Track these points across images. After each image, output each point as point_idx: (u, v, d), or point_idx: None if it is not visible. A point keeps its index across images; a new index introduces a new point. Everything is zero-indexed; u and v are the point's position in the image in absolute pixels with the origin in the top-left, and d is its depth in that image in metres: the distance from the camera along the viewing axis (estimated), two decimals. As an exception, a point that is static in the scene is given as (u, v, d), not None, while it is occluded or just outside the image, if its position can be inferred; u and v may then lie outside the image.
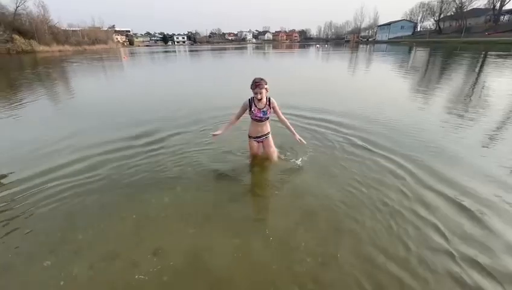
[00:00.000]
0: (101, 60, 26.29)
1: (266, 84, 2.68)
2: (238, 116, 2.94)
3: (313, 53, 31.63)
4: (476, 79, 9.42)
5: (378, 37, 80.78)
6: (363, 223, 2.20)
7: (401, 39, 64.32)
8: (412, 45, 42.24)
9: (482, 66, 12.94)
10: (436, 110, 5.71)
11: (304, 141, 3.02)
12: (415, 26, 72.63)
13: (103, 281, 1.75)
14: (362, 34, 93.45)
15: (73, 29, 65.07)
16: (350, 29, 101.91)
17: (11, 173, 3.21)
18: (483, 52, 21.29)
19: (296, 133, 3.03)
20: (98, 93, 9.08)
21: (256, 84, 2.64)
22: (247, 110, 2.88)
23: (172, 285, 1.69)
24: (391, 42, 61.89)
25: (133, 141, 4.13)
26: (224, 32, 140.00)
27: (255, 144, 3.14)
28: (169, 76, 14.27)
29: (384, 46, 47.11)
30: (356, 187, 2.73)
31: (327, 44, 68.61)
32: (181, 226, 2.22)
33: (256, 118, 2.88)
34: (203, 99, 7.31)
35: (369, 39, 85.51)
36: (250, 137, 3.09)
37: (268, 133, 3.08)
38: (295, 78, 11.43)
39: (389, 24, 75.23)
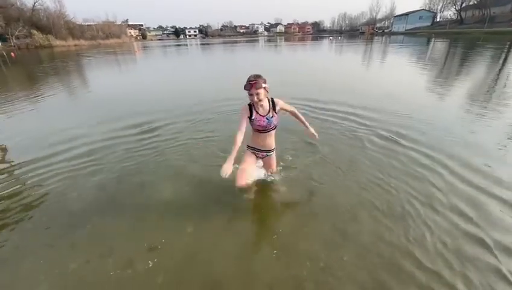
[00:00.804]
0: (115, 54, 26.70)
1: (265, 83, 2.04)
2: (244, 130, 2.13)
3: (325, 45, 30.85)
4: (500, 70, 8.87)
5: (395, 28, 77.65)
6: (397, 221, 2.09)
7: (419, 30, 61.63)
8: (430, 36, 40.38)
9: (506, 58, 12.18)
10: (458, 102, 5.47)
11: (316, 135, 2.43)
12: (435, 17, 69.25)
13: (96, 278, 1.71)
14: (378, 25, 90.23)
15: (88, 23, 66.35)
16: (365, 20, 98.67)
17: (18, 158, 3.28)
18: (508, 43, 20.04)
19: (309, 126, 2.44)
20: (112, 86, 9.23)
21: (252, 84, 1.98)
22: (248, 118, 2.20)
23: (167, 285, 1.65)
24: (408, 33, 59.45)
25: (140, 133, 4.15)
26: (236, 25, 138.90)
27: (250, 156, 2.43)
28: (179, 70, 14.30)
29: (400, 37, 45.29)
30: (382, 180, 2.67)
31: (340, 36, 66.74)
32: (179, 224, 2.17)
33: (259, 127, 2.23)
34: (212, 91, 7.25)
35: (385, 30, 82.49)
36: (248, 147, 2.43)
37: (272, 149, 2.45)
38: (308, 70, 11.16)
39: (406, 14, 72.06)
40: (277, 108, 2.22)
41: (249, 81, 2.00)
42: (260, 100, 2.06)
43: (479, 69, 9.55)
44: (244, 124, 2.15)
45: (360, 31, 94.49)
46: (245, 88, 2.03)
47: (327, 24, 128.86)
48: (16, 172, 3.14)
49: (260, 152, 2.43)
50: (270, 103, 2.19)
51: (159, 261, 1.81)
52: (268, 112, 2.19)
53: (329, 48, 26.80)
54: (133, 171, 3.05)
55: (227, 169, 1.96)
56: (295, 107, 2.41)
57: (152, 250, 1.90)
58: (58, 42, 47.19)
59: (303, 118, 2.43)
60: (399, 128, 4.03)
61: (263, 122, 2.19)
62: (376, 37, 49.74)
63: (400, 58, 14.55)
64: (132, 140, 3.94)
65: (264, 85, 2.03)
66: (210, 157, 3.28)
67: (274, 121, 2.23)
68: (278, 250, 1.88)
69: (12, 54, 26.52)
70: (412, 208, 2.26)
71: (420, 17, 68.91)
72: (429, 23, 67.11)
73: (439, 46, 22.49)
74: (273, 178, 2.67)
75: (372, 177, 2.74)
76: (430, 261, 1.75)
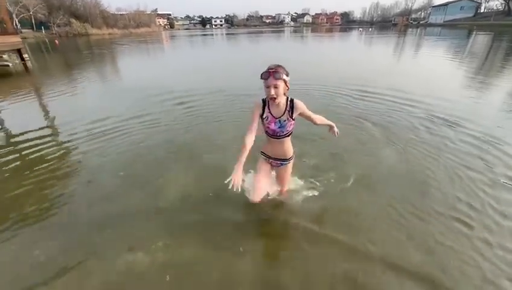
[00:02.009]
0: (146, 42, 27.82)
1: (286, 75, 1.67)
2: (254, 129, 1.78)
3: (354, 37, 29.80)
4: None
5: (432, 20, 72.38)
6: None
7: (459, 22, 57.02)
8: (471, 29, 37.33)
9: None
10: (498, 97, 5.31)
11: (336, 130, 2.10)
12: (478, 7, 63.50)
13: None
14: (413, 16, 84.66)
15: (121, 13, 69.06)
16: (399, 10, 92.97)
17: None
18: None
19: (333, 124, 2.10)
20: (145, 72, 9.86)
21: (270, 72, 1.61)
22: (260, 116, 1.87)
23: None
24: (446, 25, 55.27)
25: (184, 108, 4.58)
26: (262, 15, 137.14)
27: (265, 165, 2.09)
28: (204, 59, 14.72)
29: (437, 29, 42.30)
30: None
31: (371, 27, 63.61)
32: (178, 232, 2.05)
33: (269, 131, 1.87)
34: (237, 80, 7.57)
35: (420, 22, 77.22)
36: (262, 153, 2.09)
37: (289, 159, 2.03)
38: (330, 63, 11.06)
39: (446, 4, 66.75)
40: (295, 113, 1.79)
41: (268, 69, 1.64)
42: (277, 96, 1.66)
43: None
44: (255, 124, 1.80)
45: (393, 22, 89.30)
46: (262, 77, 1.65)
47: (357, 15, 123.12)
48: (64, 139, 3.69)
49: (274, 160, 2.04)
50: (288, 103, 1.77)
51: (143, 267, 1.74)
52: (283, 114, 1.78)
53: (359, 39, 25.88)
54: (149, 152, 3.48)
55: (236, 180, 1.65)
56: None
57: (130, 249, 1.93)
58: (94, 31, 49.78)
59: (327, 121, 2.07)
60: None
61: (273, 125, 1.82)
62: (410, 29, 46.83)
63: (434, 52, 13.83)
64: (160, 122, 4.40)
65: (285, 77, 1.65)
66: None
67: (288, 127, 1.82)
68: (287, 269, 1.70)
69: (56, 41, 28.57)
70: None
71: (461, 8, 63.52)
72: (471, 14, 61.75)
73: (481, 39, 20.88)
74: (282, 200, 2.25)
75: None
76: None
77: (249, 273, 1.71)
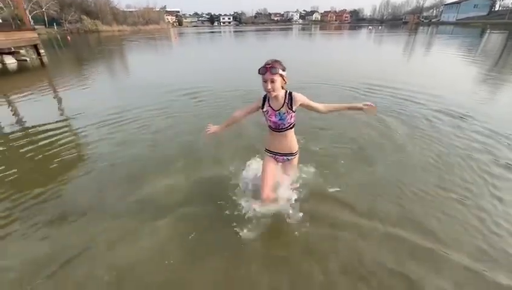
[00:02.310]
0: (155, 39, 28.15)
1: (283, 70, 1.73)
2: (245, 113, 1.99)
3: (364, 35, 29.48)
4: None
5: (444, 18, 70.79)
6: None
7: (472, 20, 55.64)
8: (485, 27, 36.44)
9: None
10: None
11: (370, 103, 1.92)
12: (493, 5, 61.82)
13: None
14: (424, 14, 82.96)
15: (130, 10, 69.79)
16: (410, 8, 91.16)
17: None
18: None
19: (355, 104, 1.98)
20: (154, 68, 10.04)
21: (267, 67, 1.68)
22: (260, 109, 1.95)
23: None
24: (459, 24, 54.02)
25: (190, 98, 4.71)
26: (270, 12, 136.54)
27: (271, 162, 2.08)
28: (211, 56, 14.85)
29: (449, 28, 41.42)
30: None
31: (381, 26, 62.66)
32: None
33: (271, 124, 1.93)
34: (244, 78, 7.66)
35: (432, 20, 75.64)
36: (266, 150, 2.11)
37: (292, 153, 2.04)
38: (334, 63, 11.03)
39: (459, 2, 65.15)
40: (294, 105, 1.83)
41: (265, 64, 1.71)
42: (274, 90, 1.73)
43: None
44: (249, 110, 1.97)
45: (404, 20, 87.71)
46: (259, 72, 1.73)
47: (367, 13, 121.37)
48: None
49: (279, 156, 2.05)
50: (287, 96, 1.83)
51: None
52: (282, 106, 1.84)
53: (368, 37, 25.60)
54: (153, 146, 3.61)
55: (211, 129, 2.00)
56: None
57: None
58: (104, 27, 50.49)
59: (341, 105, 2.01)
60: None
61: (274, 117, 1.88)
62: (421, 27, 45.95)
63: (446, 50, 13.62)
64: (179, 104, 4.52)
65: (281, 72, 1.72)
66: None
67: (288, 119, 1.87)
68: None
69: (68, 37, 29.14)
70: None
71: (475, 6, 61.93)
72: (485, 13, 60.15)
73: (494, 38, 20.43)
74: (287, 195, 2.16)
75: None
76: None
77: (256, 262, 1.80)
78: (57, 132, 3.92)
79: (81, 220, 2.18)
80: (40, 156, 3.24)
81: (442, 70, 8.53)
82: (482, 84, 6.33)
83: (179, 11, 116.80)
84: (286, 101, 1.83)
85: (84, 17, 46.78)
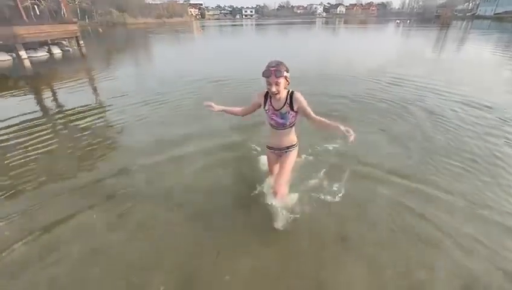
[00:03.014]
0: (178, 32, 28.96)
1: (287, 72, 1.77)
2: (247, 111, 2.12)
3: (391, 28, 28.43)
4: None
5: (480, 12, 65.87)
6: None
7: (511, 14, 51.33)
8: (527, 22, 33.62)
9: None
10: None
11: (352, 133, 1.68)
12: (538, -3, 56.52)
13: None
14: (459, 7, 77.65)
15: (155, 3, 71.58)
16: (443, 1, 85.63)
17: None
18: None
19: (339, 125, 1.73)
20: (182, 58, 10.56)
21: (272, 70, 1.70)
22: (262, 107, 2.00)
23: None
24: (497, 18, 50.13)
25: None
26: (293, 5, 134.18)
27: (272, 156, 2.24)
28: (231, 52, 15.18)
29: (486, 22, 38.68)
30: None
31: (409, 20, 59.59)
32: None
33: (273, 122, 1.98)
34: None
35: (467, 14, 70.67)
36: (268, 147, 2.21)
37: (291, 146, 2.10)
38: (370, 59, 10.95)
39: (498, -6, 60.35)
40: (295, 105, 1.85)
41: (269, 67, 1.72)
42: (279, 92, 1.78)
43: None
44: (250, 108, 2.07)
45: (435, 14, 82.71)
46: (263, 75, 1.74)
47: (396, 6, 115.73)
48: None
49: (280, 150, 2.14)
50: (288, 96, 1.86)
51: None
52: (283, 106, 1.87)
53: (395, 32, 24.71)
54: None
55: (211, 104, 2.10)
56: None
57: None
58: (130, 20, 52.37)
59: (331, 123, 1.79)
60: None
61: (276, 117, 1.93)
62: (454, 22, 43.22)
63: (481, 47, 12.99)
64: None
65: (285, 74, 1.75)
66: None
67: (291, 118, 1.91)
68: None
69: (99, 30, 30.73)
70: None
71: (517, -2, 57.01)
72: (529, 6, 55.23)
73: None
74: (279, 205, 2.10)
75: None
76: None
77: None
78: (93, 117, 4.48)
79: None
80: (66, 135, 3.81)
81: (476, 68, 8.29)
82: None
83: (201, 4, 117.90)
84: (287, 101, 1.86)
85: (113, 10, 48.74)
